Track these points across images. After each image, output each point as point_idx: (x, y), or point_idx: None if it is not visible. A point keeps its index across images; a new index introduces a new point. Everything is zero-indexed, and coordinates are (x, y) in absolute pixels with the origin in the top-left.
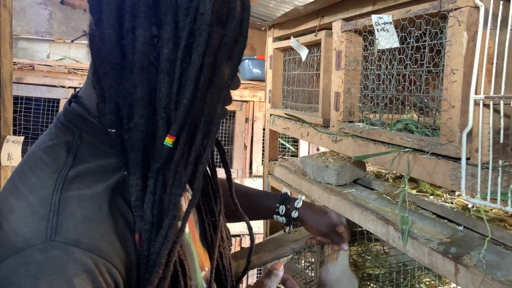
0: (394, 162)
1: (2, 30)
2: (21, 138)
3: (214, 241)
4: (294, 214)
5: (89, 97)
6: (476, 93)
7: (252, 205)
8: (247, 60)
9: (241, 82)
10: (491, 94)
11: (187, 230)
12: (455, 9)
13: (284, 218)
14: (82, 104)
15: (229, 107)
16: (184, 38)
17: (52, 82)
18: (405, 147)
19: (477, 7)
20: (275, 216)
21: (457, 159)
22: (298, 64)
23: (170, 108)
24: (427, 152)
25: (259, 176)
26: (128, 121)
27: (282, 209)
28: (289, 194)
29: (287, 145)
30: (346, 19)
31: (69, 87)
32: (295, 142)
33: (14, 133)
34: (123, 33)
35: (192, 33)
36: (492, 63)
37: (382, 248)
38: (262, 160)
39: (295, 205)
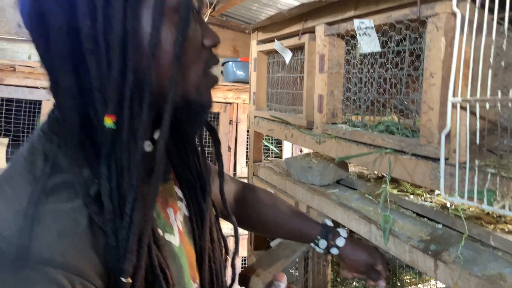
0: (376, 163)
1: None
2: (6, 140)
3: (204, 249)
4: (334, 250)
5: None
6: (453, 96)
7: (290, 225)
8: (230, 62)
9: (225, 84)
10: (468, 97)
11: (177, 243)
12: (434, 15)
13: (322, 250)
14: None
15: (213, 109)
16: (101, 8)
17: (34, 84)
18: (386, 148)
19: (454, 14)
20: (312, 245)
21: (436, 160)
22: (282, 67)
23: (104, 87)
24: (408, 153)
25: (244, 178)
26: (62, 119)
27: (323, 243)
28: (331, 224)
29: (271, 146)
30: (329, 23)
31: None
32: (278, 143)
33: None
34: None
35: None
36: (469, 67)
37: None
38: (246, 162)
39: (337, 243)
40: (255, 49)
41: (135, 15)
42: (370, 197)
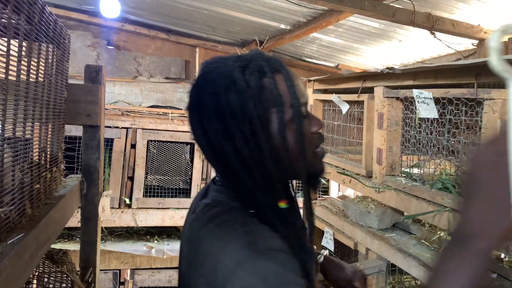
0: (435, 218)
1: None
2: (110, 192)
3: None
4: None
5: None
6: None
7: None
8: None
9: None
10: None
11: None
12: (490, 99)
13: None
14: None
15: None
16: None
17: (107, 123)
18: (445, 207)
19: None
20: None
21: None
22: (338, 115)
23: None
24: None
25: None
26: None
27: None
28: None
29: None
30: (388, 87)
31: (122, 128)
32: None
33: (73, 170)
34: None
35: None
36: None
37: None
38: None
39: (318, 260)
40: (311, 97)
41: (270, 132)
42: (427, 243)
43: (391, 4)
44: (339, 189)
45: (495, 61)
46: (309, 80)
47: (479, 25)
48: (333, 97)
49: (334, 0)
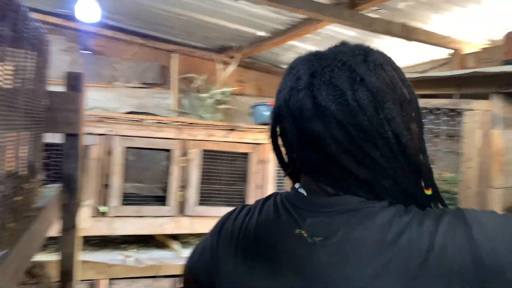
0: None
1: None
2: (91, 201)
3: None
4: None
5: None
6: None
7: None
8: (259, 106)
9: (255, 126)
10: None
11: None
12: (470, 110)
13: None
14: None
15: (243, 149)
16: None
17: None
18: None
19: (488, 111)
20: None
21: None
22: None
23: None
24: None
25: None
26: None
27: None
28: None
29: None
30: None
31: (97, 134)
32: None
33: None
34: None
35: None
36: (502, 156)
37: None
38: None
39: None
40: None
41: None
42: None
43: (368, 14)
44: None
45: None
46: None
47: (449, 36)
48: None
49: (314, 9)
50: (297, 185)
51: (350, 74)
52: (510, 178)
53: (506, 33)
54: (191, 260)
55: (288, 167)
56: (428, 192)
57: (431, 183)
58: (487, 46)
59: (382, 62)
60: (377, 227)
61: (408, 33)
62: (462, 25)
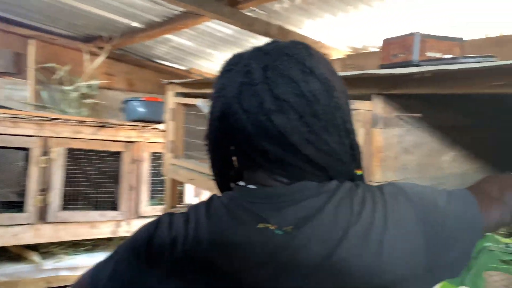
0: None
1: None
2: None
3: None
4: None
5: None
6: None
7: None
8: (132, 101)
9: (128, 123)
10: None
11: None
12: (354, 109)
13: None
14: None
15: (115, 148)
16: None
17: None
18: None
19: (370, 111)
20: None
21: None
22: (202, 120)
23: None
24: None
25: (146, 216)
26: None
27: None
28: None
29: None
30: None
31: None
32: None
33: None
34: None
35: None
36: (382, 152)
37: None
38: (149, 200)
39: None
40: (171, 100)
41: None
42: None
43: (248, 14)
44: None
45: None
46: (171, 83)
47: (320, 41)
48: (198, 102)
49: (195, 3)
50: (241, 183)
51: (300, 66)
52: (388, 172)
53: (382, 39)
54: None
55: (227, 171)
56: (359, 172)
57: (361, 164)
58: (350, 53)
59: (321, 55)
60: (343, 204)
61: (284, 35)
62: (331, 32)
